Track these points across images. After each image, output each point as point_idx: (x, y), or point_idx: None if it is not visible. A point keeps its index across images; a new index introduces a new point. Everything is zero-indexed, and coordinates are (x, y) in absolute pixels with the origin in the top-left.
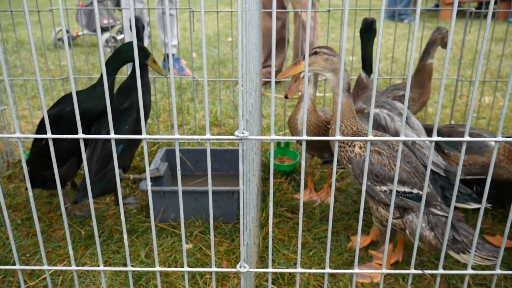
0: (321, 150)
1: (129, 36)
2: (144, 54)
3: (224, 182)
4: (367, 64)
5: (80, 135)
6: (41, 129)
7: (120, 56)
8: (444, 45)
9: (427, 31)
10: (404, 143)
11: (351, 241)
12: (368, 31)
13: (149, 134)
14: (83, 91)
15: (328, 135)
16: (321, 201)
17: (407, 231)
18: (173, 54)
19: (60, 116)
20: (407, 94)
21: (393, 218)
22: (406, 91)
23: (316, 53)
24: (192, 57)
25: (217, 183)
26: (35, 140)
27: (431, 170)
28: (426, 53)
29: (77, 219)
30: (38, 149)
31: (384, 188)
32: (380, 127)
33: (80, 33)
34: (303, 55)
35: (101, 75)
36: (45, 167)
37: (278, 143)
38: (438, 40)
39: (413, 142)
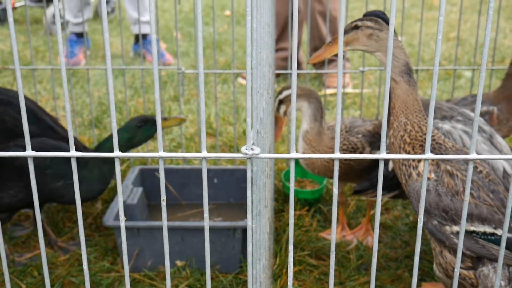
0: (356, 176)
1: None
2: (154, 123)
3: (221, 215)
4: None
5: (29, 153)
6: None
7: (126, 141)
8: None
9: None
10: (493, 171)
11: None
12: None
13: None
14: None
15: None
16: (358, 242)
17: None
18: (146, 35)
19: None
20: (481, 87)
21: (462, 268)
22: (479, 88)
23: (357, 27)
24: (177, 39)
25: (212, 216)
26: None
27: None
28: None
29: (16, 267)
30: None
31: (456, 228)
32: None
33: (17, 4)
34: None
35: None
36: None
37: (296, 161)
38: None
39: (505, 173)
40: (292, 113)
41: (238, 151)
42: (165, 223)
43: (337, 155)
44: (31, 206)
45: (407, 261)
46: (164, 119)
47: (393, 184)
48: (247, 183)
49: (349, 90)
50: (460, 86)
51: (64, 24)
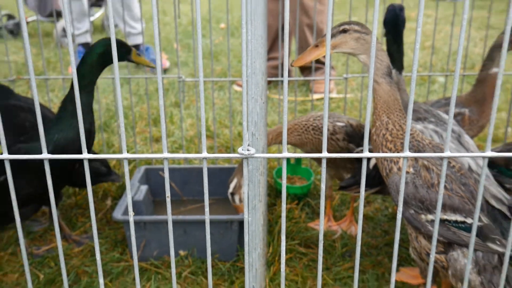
0: (337, 168)
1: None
2: (126, 49)
3: (219, 209)
4: (396, 59)
5: (45, 155)
6: None
7: (97, 59)
8: None
9: (478, 11)
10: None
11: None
12: (395, 21)
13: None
14: (55, 118)
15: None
16: (342, 232)
17: (449, 271)
18: (138, 45)
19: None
20: (455, 92)
21: (435, 252)
22: (453, 92)
23: (344, 31)
24: (177, 50)
25: (212, 210)
26: None
27: (492, 206)
28: (490, 59)
29: (34, 259)
30: None
31: (431, 217)
32: None
33: (30, 19)
34: (325, 34)
35: (71, 88)
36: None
37: (287, 159)
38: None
39: (470, 169)
40: (284, 112)
41: (234, 151)
42: (169, 217)
43: (325, 154)
44: (48, 198)
45: (386, 249)
46: (138, 55)
47: (375, 181)
48: (244, 181)
49: (334, 95)
50: (434, 90)
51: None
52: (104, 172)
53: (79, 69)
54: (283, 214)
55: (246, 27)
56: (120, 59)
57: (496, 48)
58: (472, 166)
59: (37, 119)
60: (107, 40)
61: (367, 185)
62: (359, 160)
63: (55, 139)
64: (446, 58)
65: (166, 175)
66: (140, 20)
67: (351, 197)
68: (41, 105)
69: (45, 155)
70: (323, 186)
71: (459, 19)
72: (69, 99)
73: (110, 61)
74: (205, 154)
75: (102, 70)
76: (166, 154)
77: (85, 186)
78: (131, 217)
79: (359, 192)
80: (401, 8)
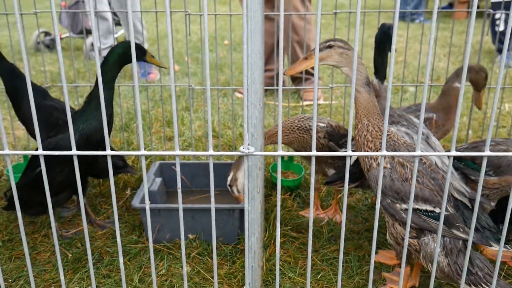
0: (320, 163)
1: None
2: (142, 51)
3: (223, 199)
4: (380, 71)
5: (74, 152)
6: (34, 159)
7: (117, 58)
8: (478, 87)
9: (442, 32)
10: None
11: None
12: (386, 38)
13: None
14: (80, 110)
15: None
16: (328, 219)
17: (421, 254)
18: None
19: (59, 146)
20: (424, 99)
21: (409, 237)
22: (423, 100)
23: (330, 46)
24: (188, 63)
25: (216, 200)
26: (28, 167)
27: (455, 198)
28: (455, 74)
29: (64, 240)
30: (31, 177)
31: (405, 206)
32: None
33: (63, 36)
34: (313, 49)
35: (96, 85)
36: (36, 195)
37: (282, 157)
38: (474, 78)
39: (436, 166)
40: (279, 117)
41: (236, 149)
42: (180, 206)
43: (314, 153)
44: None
45: (366, 234)
46: (152, 57)
47: (356, 177)
48: (244, 175)
49: (321, 102)
50: (406, 98)
51: (100, 51)
52: (120, 165)
53: (102, 67)
54: (278, 203)
55: (247, 43)
56: (138, 59)
57: (459, 69)
58: (438, 163)
59: (68, 119)
60: (126, 43)
61: (349, 180)
62: (341, 157)
63: (80, 129)
64: (416, 71)
65: (178, 169)
66: (142, 33)
67: (336, 190)
68: (71, 108)
69: (74, 152)
70: (312, 181)
71: (426, 39)
72: (93, 95)
73: (128, 60)
74: (211, 152)
75: (121, 68)
76: (178, 152)
77: (106, 177)
78: (147, 205)
79: (342, 186)
80: (389, 27)
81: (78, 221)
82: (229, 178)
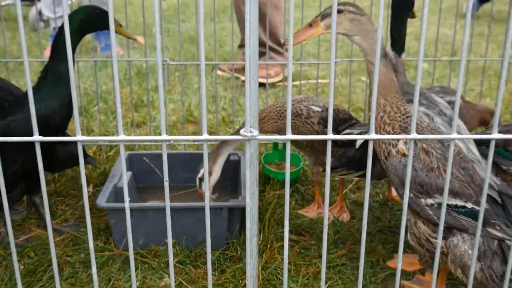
0: (317, 153)
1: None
2: (106, 18)
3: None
4: (397, 42)
5: (36, 137)
6: None
7: (78, 26)
8: (484, 123)
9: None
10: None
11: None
12: (405, 4)
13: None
14: (35, 88)
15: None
16: (334, 218)
17: (449, 257)
18: None
19: (10, 130)
20: (461, 75)
21: (435, 238)
22: (460, 75)
23: (339, 11)
24: (157, 34)
25: (197, 197)
26: None
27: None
28: None
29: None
30: None
31: (430, 201)
32: None
33: (3, 3)
34: (318, 15)
35: (51, 58)
36: None
37: (275, 144)
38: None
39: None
40: (288, 93)
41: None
42: (167, 203)
43: (289, 136)
44: (34, 178)
45: (379, 235)
46: (120, 26)
47: (361, 164)
48: (246, 164)
49: (276, 79)
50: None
51: (49, 21)
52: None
53: (58, 37)
54: (287, 198)
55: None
56: (103, 28)
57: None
58: (463, 150)
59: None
60: (88, 7)
61: (352, 168)
62: (340, 145)
63: (36, 110)
64: (429, 44)
65: (165, 158)
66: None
67: (339, 182)
68: (18, 88)
69: (36, 137)
70: (328, 171)
71: (438, 7)
72: (50, 69)
73: (90, 29)
74: (205, 135)
75: (82, 38)
76: (165, 136)
77: (62, 169)
78: (127, 203)
79: (343, 174)
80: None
81: (29, 225)
82: (201, 171)
